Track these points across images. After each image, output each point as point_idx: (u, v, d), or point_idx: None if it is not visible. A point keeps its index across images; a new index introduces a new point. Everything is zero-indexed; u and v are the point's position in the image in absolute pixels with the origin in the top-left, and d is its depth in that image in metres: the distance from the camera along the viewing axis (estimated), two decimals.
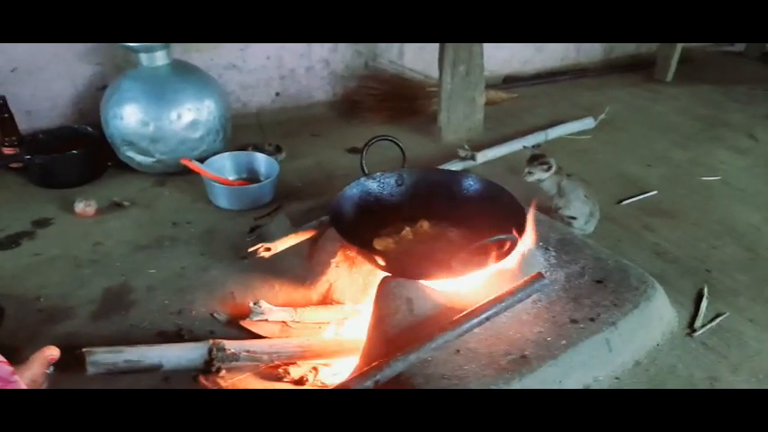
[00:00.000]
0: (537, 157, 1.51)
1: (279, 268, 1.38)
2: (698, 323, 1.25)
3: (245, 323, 1.23)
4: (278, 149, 1.95)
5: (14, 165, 1.81)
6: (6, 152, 1.83)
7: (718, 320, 1.26)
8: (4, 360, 0.90)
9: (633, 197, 1.77)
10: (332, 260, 1.33)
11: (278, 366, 1.16)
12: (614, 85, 2.70)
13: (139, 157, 1.76)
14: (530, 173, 1.51)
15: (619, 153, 2.06)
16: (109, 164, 1.85)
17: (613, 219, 1.64)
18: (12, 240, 1.52)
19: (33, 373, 1.02)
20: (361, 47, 2.37)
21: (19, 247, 1.50)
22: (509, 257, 1.13)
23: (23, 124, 1.87)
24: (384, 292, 1.12)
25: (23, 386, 0.85)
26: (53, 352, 1.04)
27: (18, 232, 1.56)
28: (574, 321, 1.11)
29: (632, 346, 1.14)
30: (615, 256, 1.29)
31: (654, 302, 1.17)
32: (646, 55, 2.99)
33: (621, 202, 1.75)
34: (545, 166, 1.49)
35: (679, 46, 2.64)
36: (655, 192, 1.80)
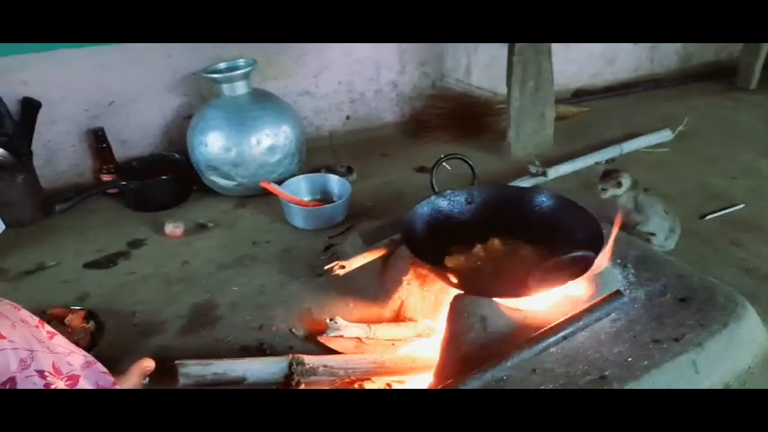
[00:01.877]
0: (610, 173, 1.48)
1: (352, 286, 1.42)
2: None
3: (323, 339, 1.27)
4: (349, 170, 2.01)
5: (111, 190, 1.97)
6: (104, 179, 1.99)
7: None
8: (107, 371, 0.98)
9: (718, 211, 1.69)
10: (403, 278, 1.35)
11: (353, 382, 1.19)
12: (692, 94, 2.59)
13: (222, 181, 1.87)
14: (603, 189, 1.47)
15: (700, 165, 1.97)
16: (194, 188, 1.98)
17: (696, 234, 1.57)
18: (109, 260, 1.66)
19: (132, 383, 1.10)
20: (428, 68, 2.42)
21: (115, 266, 1.63)
22: (585, 275, 1.11)
23: (119, 153, 2.04)
24: (457, 310, 1.13)
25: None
26: (149, 364, 1.12)
27: (115, 252, 1.69)
28: (656, 341, 1.07)
29: (721, 369, 1.08)
30: (699, 273, 1.23)
31: (744, 322, 1.11)
32: (725, 62, 2.85)
33: (705, 216, 1.67)
34: (615, 182, 1.45)
35: (763, 52, 2.51)
36: (741, 205, 1.70)
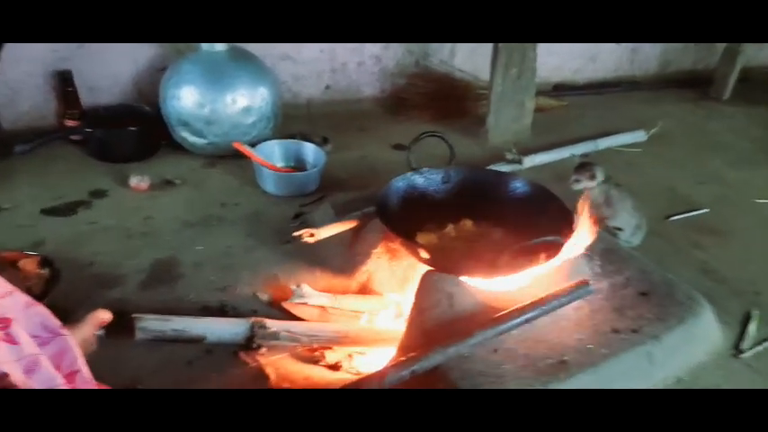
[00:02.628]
0: (584, 166, 1.49)
1: (321, 255, 1.40)
2: (745, 345, 1.22)
3: (287, 305, 1.26)
4: (325, 141, 1.98)
5: (75, 137, 1.89)
6: (68, 124, 1.91)
7: (766, 344, 1.23)
8: (52, 315, 0.93)
9: (682, 213, 1.73)
10: (373, 251, 1.35)
11: (315, 350, 1.19)
12: (668, 99, 2.64)
13: (193, 138, 1.82)
14: (577, 180, 1.49)
15: (669, 168, 2.02)
16: (163, 142, 1.91)
17: (660, 234, 1.61)
18: (69, 208, 1.59)
19: (85, 333, 1.05)
20: (413, 45, 2.39)
21: (75, 215, 1.57)
22: (554, 261, 1.12)
23: (86, 99, 1.95)
24: (426, 286, 1.13)
25: (72, 339, 0.88)
26: (105, 316, 1.08)
27: (75, 201, 1.62)
28: (616, 331, 1.10)
29: (675, 362, 1.12)
30: (661, 270, 1.27)
31: (700, 319, 1.15)
32: (702, 72, 2.92)
33: (670, 217, 1.71)
34: (590, 174, 1.47)
35: (738, 64, 2.57)
36: (706, 210, 1.75)
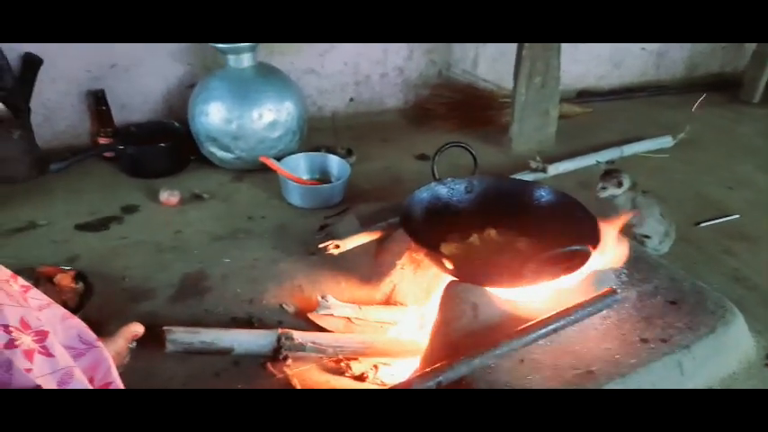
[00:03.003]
0: (611, 173, 1.48)
1: (345, 266, 1.42)
2: None
3: (312, 316, 1.27)
4: (349, 153, 2.00)
5: (108, 154, 1.95)
6: (102, 142, 1.97)
7: None
8: (88, 327, 0.96)
9: (713, 219, 1.70)
10: (397, 262, 1.35)
11: (341, 360, 1.20)
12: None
13: (221, 153, 1.86)
14: (603, 188, 1.47)
15: (698, 173, 1.98)
16: (192, 158, 1.96)
17: (690, 241, 1.58)
18: (102, 224, 1.64)
19: (118, 345, 1.08)
20: (436, 56, 2.40)
21: (108, 231, 1.62)
22: (580, 270, 1.11)
23: (118, 117, 2.02)
24: (450, 296, 1.13)
25: (106, 351, 0.91)
26: (138, 329, 1.11)
27: (108, 216, 1.68)
28: (644, 341, 1.08)
29: (706, 372, 1.09)
30: (691, 277, 1.24)
31: (732, 328, 1.12)
32: (730, 75, 2.86)
33: (699, 224, 1.68)
34: (616, 181, 1.45)
35: None
36: (736, 216, 1.72)
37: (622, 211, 1.38)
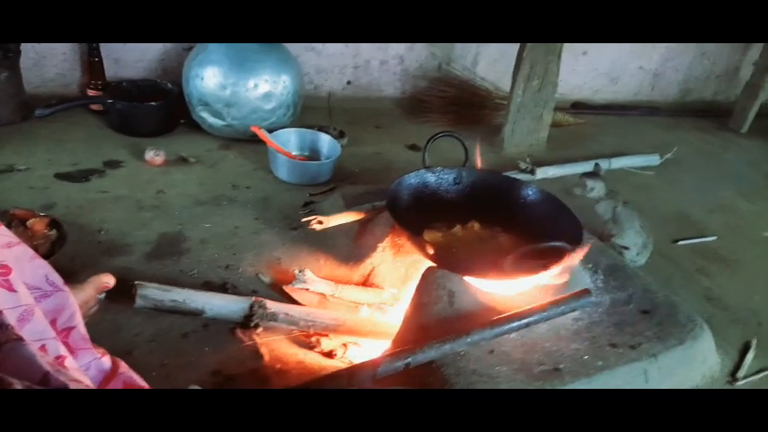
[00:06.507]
0: (591, 174, 1.50)
1: (326, 244, 1.41)
2: (741, 373, 1.21)
3: (288, 288, 1.26)
4: (341, 134, 1.99)
5: (96, 106, 1.91)
6: (91, 95, 1.93)
7: (762, 374, 1.22)
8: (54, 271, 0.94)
9: (691, 239, 1.72)
10: (379, 244, 1.35)
11: (311, 335, 1.19)
12: (685, 127, 2.63)
13: (212, 119, 1.83)
14: (591, 188, 1.48)
15: (681, 193, 2.01)
16: (182, 121, 1.93)
17: (667, 257, 1.61)
18: (83, 175, 1.61)
19: (87, 294, 1.06)
20: (437, 49, 2.40)
21: (88, 182, 1.58)
22: (559, 268, 1.12)
23: (110, 71, 1.97)
24: (427, 281, 1.13)
25: (72, 297, 0.89)
26: (109, 280, 1.08)
27: (90, 169, 1.64)
28: (613, 345, 1.09)
29: (669, 383, 1.11)
30: (666, 290, 1.26)
31: (700, 343, 1.14)
32: (722, 103, 2.92)
33: (678, 241, 1.71)
34: (597, 177, 1.47)
35: (760, 99, 2.56)
36: (714, 237, 1.75)
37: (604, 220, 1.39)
